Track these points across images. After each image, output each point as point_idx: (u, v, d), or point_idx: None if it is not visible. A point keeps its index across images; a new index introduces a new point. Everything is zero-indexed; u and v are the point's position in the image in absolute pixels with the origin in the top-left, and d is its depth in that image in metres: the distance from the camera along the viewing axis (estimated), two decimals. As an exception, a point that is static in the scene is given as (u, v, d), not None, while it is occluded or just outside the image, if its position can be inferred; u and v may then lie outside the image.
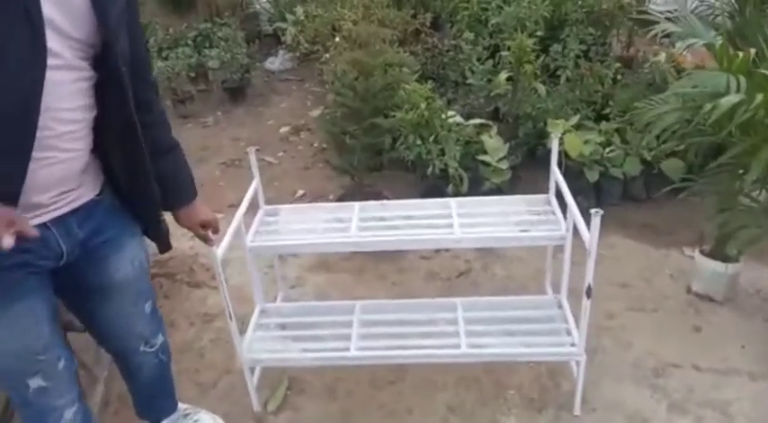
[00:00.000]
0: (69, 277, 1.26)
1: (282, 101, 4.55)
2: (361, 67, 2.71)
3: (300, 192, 3.29)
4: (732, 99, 1.74)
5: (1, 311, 1.12)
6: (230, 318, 1.73)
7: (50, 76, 0.98)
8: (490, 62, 3.62)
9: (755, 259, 2.41)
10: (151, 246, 1.48)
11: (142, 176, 1.26)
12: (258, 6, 5.71)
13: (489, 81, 3.50)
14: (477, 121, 3.22)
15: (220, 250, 1.63)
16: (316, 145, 3.80)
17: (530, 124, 3.27)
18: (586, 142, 2.92)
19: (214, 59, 4.53)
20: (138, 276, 1.40)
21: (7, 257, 1.03)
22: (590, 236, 1.58)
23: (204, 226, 1.50)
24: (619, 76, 3.44)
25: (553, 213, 1.98)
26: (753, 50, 1.97)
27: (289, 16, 5.18)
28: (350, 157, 2.82)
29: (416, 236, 1.92)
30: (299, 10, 5.10)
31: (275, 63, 5.08)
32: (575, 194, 1.85)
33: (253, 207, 2.02)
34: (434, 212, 2.07)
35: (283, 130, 4.07)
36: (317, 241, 1.96)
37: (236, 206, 1.97)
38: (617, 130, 3.02)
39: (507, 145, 3.05)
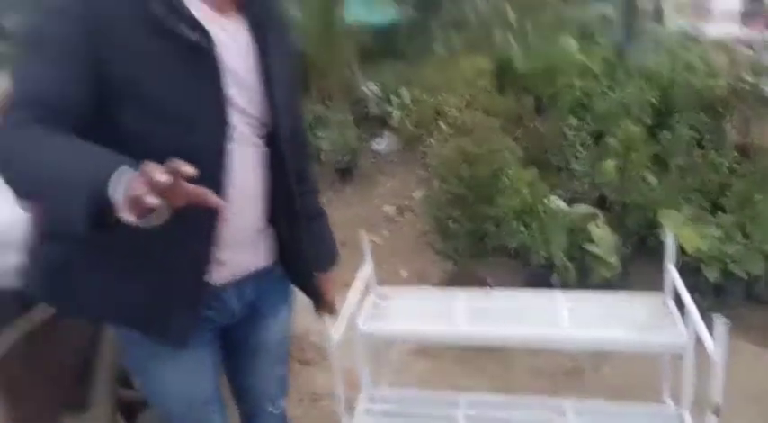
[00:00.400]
0: (228, 334, 1.37)
1: (388, 181, 4.77)
2: (466, 155, 2.83)
3: (404, 273, 3.39)
4: None
5: (176, 358, 1.23)
6: (340, 402, 1.80)
7: (230, 148, 1.11)
8: (594, 148, 3.62)
9: None
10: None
11: (298, 242, 1.36)
12: (366, 90, 6.11)
13: (594, 167, 3.50)
14: (583, 208, 3.21)
15: (336, 334, 1.73)
16: (420, 226, 3.92)
17: (639, 214, 3.20)
18: (703, 236, 2.80)
19: (326, 141, 4.87)
20: (283, 341, 1.50)
21: (197, 312, 1.18)
22: (714, 347, 1.52)
23: (324, 300, 1.56)
24: (735, 165, 3.31)
25: (670, 315, 1.92)
26: None
27: (395, 100, 5.51)
28: (453, 243, 2.90)
29: (524, 331, 1.93)
30: (406, 94, 5.42)
31: (382, 144, 5.36)
32: (691, 293, 1.79)
33: (365, 289, 2.13)
34: (542, 306, 2.07)
35: (388, 210, 4.25)
36: (426, 331, 2.02)
37: (346, 285, 2.06)
38: (736, 224, 2.88)
39: (615, 235, 3.00)
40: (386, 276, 3.34)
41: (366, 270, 2.16)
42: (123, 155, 0.88)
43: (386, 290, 2.27)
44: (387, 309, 2.17)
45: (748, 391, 2.26)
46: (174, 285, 1.12)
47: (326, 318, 1.66)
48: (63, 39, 0.97)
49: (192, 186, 0.84)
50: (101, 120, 0.99)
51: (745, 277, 2.71)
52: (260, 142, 1.21)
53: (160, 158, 0.85)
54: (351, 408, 2.08)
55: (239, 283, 1.27)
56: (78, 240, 1.00)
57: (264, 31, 1.18)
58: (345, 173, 4.79)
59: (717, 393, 1.55)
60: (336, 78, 6.06)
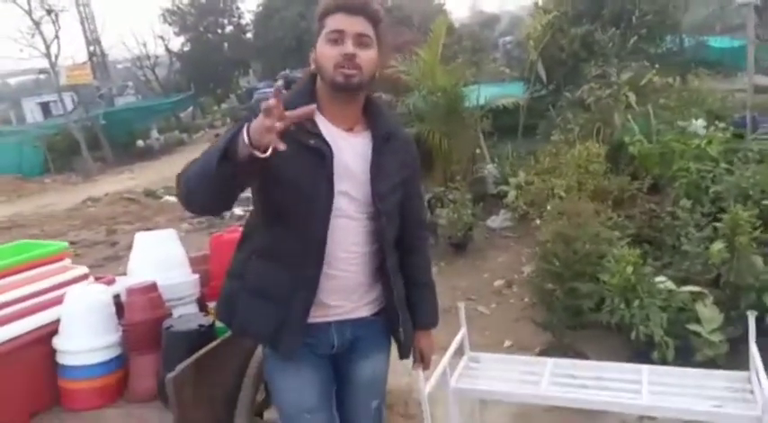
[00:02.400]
0: (335, 365, 1.70)
1: (499, 256, 5.02)
2: (564, 237, 3.06)
3: (508, 343, 3.58)
4: None
5: (287, 371, 1.62)
6: None
7: (335, 222, 1.50)
8: (709, 229, 3.61)
9: None
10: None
11: (399, 300, 1.66)
12: (486, 171, 6.50)
13: (707, 248, 3.48)
14: (692, 288, 3.22)
15: (427, 388, 2.03)
16: (526, 300, 4.10)
17: (753, 295, 3.13)
18: (818, 322, 2.70)
19: (443, 218, 5.29)
20: (375, 381, 1.80)
21: (300, 337, 1.56)
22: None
23: (420, 354, 1.85)
24: None
25: (751, 392, 1.97)
26: None
27: (511, 180, 5.83)
28: (552, 316, 3.08)
29: (602, 397, 2.07)
30: (522, 175, 5.72)
31: (496, 221, 5.66)
32: None
33: (460, 351, 2.41)
34: (626, 377, 2.20)
35: (497, 283, 4.49)
36: (510, 391, 2.23)
37: (446, 349, 2.38)
38: None
39: (723, 315, 2.97)
40: (490, 344, 3.57)
41: (461, 334, 2.46)
42: (269, 215, 1.53)
43: (478, 355, 2.53)
44: (478, 370, 2.43)
45: None
46: (288, 315, 1.53)
47: (420, 373, 1.95)
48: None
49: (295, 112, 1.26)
50: (258, 194, 1.53)
51: None
52: (362, 217, 1.57)
53: (289, 219, 1.49)
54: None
55: (340, 324, 1.64)
56: (242, 280, 1.57)
57: (383, 141, 1.57)
58: (459, 247, 5.13)
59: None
60: (458, 161, 6.54)
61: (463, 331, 2.46)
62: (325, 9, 1.49)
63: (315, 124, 1.48)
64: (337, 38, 1.46)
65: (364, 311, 1.67)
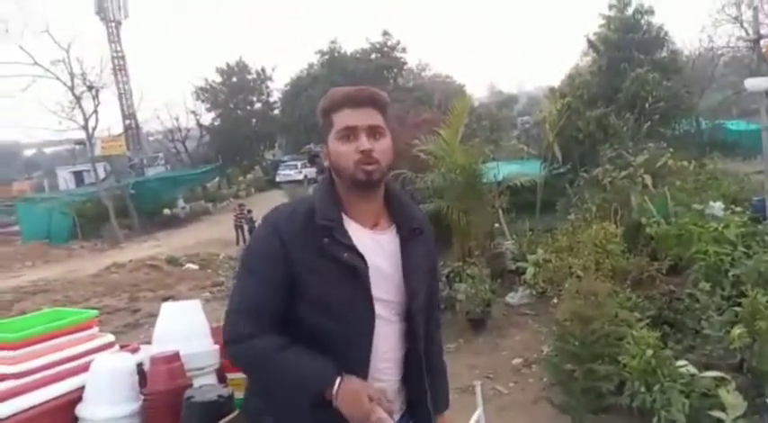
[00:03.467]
0: None
1: (518, 333, 4.97)
2: (580, 317, 3.07)
3: (525, 424, 3.50)
4: None
5: None
6: None
7: (376, 331, 1.42)
8: (730, 313, 3.58)
9: None
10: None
11: (427, 393, 1.56)
12: (505, 247, 6.55)
13: (728, 332, 3.44)
14: (714, 373, 3.16)
15: None
16: (545, 380, 4.03)
17: (777, 382, 3.06)
18: None
19: (461, 293, 5.29)
20: None
21: None
22: None
23: None
24: None
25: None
26: None
27: (530, 257, 5.85)
28: (570, 398, 3.03)
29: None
30: (540, 252, 5.76)
31: (515, 298, 5.64)
32: None
33: (474, 433, 2.39)
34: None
35: (516, 361, 4.42)
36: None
37: None
38: None
39: (746, 403, 2.90)
40: (507, 425, 3.49)
41: (477, 414, 2.44)
42: (303, 337, 1.40)
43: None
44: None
45: None
46: None
47: None
48: (272, 270, 1.40)
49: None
50: (288, 317, 1.42)
51: None
52: (396, 319, 1.49)
53: (325, 338, 1.40)
54: None
55: None
56: (268, 401, 1.47)
57: (409, 236, 1.50)
58: (478, 323, 5.10)
59: None
60: (476, 237, 6.62)
61: (479, 412, 2.45)
62: (330, 105, 1.45)
63: (345, 232, 1.42)
64: (350, 134, 1.42)
65: (396, 416, 1.55)
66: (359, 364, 1.43)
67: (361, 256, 1.42)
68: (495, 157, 8.45)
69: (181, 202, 19.92)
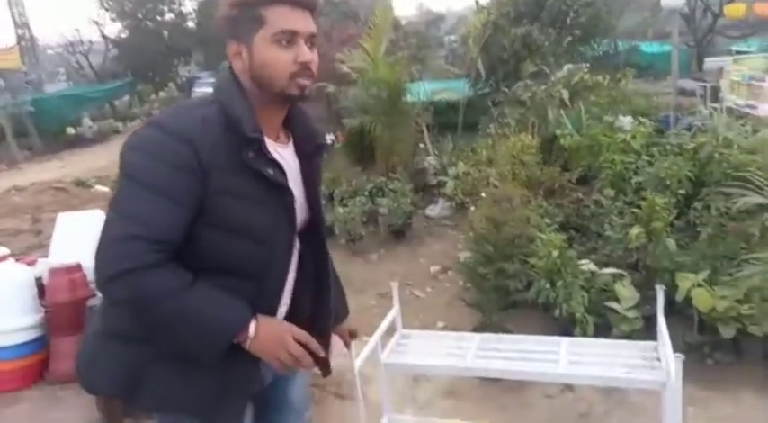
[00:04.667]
0: (258, 396, 1.45)
1: (436, 243, 5.13)
2: (494, 222, 3.17)
3: (441, 324, 3.67)
4: None
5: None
6: (360, 399, 2.10)
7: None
8: (630, 217, 3.83)
9: None
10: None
11: (327, 313, 1.49)
12: (427, 163, 6.62)
13: (627, 234, 3.70)
14: (612, 270, 3.41)
15: (358, 361, 2.06)
16: (461, 284, 4.21)
17: (666, 277, 3.35)
18: (723, 298, 2.93)
19: (384, 207, 5.35)
20: (305, 397, 1.66)
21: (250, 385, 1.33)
22: (674, 379, 1.73)
23: (351, 334, 1.79)
24: (769, 234, 3.41)
25: (658, 359, 2.11)
26: None
27: (450, 171, 5.96)
28: (483, 296, 3.19)
29: (523, 367, 2.17)
30: (461, 165, 5.87)
31: (435, 210, 5.78)
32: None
33: (392, 330, 2.46)
34: (546, 348, 2.31)
35: (434, 268, 4.59)
36: (437, 363, 2.30)
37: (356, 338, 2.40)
38: (758, 287, 2.97)
39: (639, 295, 3.17)
40: (424, 325, 3.66)
41: (393, 312, 2.50)
42: (205, 270, 1.20)
43: (409, 332, 2.58)
44: (408, 346, 2.48)
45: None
46: (231, 380, 1.27)
47: (352, 349, 1.98)
48: (182, 188, 1.16)
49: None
50: (186, 246, 1.20)
51: (762, 337, 2.78)
52: (296, 241, 1.39)
53: (237, 269, 1.23)
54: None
55: None
56: (155, 346, 1.22)
57: (308, 153, 1.39)
58: (399, 234, 5.21)
59: (677, 419, 1.73)
60: (399, 153, 6.63)
61: (395, 309, 2.50)
62: None
63: (264, 144, 1.24)
64: (289, 39, 1.21)
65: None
66: (272, 293, 1.32)
67: (284, 172, 1.28)
68: (421, 76, 8.35)
69: (87, 121, 18.51)
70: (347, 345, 1.86)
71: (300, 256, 1.41)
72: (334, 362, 3.25)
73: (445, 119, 7.61)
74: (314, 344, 1.24)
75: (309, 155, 1.40)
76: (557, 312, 3.11)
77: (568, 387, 2.91)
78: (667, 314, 3.21)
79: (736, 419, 2.39)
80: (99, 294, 2.43)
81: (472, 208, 4.18)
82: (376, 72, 6.52)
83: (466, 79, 8.23)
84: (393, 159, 6.54)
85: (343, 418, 2.91)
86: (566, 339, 2.38)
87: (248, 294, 1.24)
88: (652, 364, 2.10)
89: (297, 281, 1.42)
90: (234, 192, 1.20)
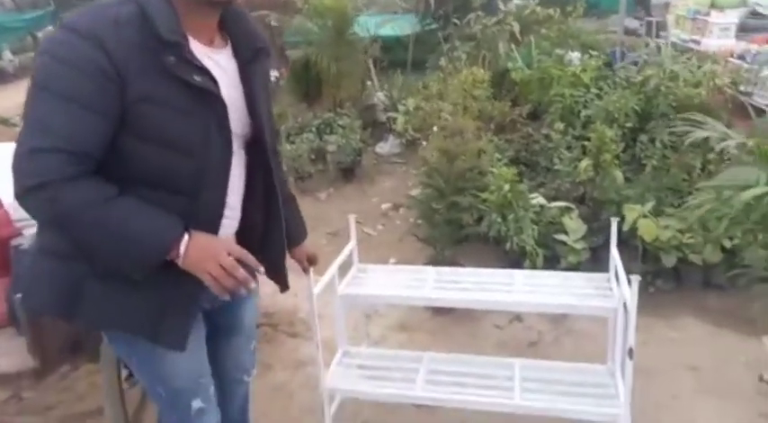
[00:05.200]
0: (212, 315, 1.49)
1: (387, 181, 5.06)
2: (447, 154, 3.11)
3: (393, 260, 3.65)
4: (752, 193, 1.88)
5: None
6: (317, 347, 2.07)
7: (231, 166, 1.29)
8: (579, 150, 3.85)
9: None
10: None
11: (279, 228, 1.48)
12: (376, 99, 6.43)
13: (575, 167, 3.73)
14: (560, 203, 3.44)
15: (317, 289, 2.01)
16: (411, 220, 4.18)
17: (613, 208, 3.41)
18: (666, 228, 3.01)
19: (332, 144, 5.19)
20: (255, 319, 1.68)
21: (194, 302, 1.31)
22: (630, 300, 1.75)
23: (309, 259, 1.76)
24: (710, 167, 3.51)
25: (610, 289, 2.15)
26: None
27: (400, 107, 5.81)
28: (435, 231, 3.16)
29: (480, 296, 2.18)
30: (410, 101, 5.73)
31: (384, 147, 5.66)
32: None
33: (348, 264, 2.39)
34: (501, 281, 2.32)
35: (384, 206, 4.54)
36: (395, 294, 2.29)
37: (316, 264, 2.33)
38: (699, 218, 3.07)
39: (586, 227, 3.22)
40: (375, 261, 3.59)
41: (350, 246, 2.43)
42: (136, 184, 1.17)
43: (366, 266, 2.54)
44: (365, 279, 2.44)
45: (690, 362, 2.46)
46: (174, 298, 1.25)
47: (310, 276, 1.91)
48: (98, 95, 1.10)
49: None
50: (112, 159, 1.16)
51: (702, 265, 2.90)
52: (242, 152, 1.37)
53: (170, 182, 1.19)
54: (327, 365, 2.33)
55: None
56: (90, 264, 1.20)
57: (251, 58, 1.33)
58: (348, 172, 5.10)
59: (631, 339, 1.77)
60: (348, 87, 6.41)
61: (352, 243, 2.44)
62: None
63: (191, 50, 1.17)
64: None
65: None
66: (211, 209, 1.26)
67: (214, 80, 1.20)
68: (366, 8, 7.99)
69: (7, 55, 16.94)
70: (305, 270, 1.81)
71: (250, 172, 1.37)
72: (287, 302, 3.20)
73: (395, 55, 7.37)
74: (250, 258, 1.21)
75: (249, 60, 1.33)
76: (507, 246, 3.13)
77: (518, 318, 2.98)
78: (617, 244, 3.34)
79: (677, 343, 2.51)
80: (25, 233, 2.26)
81: (424, 143, 4.09)
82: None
83: (414, 14, 7.95)
84: (341, 94, 6.30)
85: (296, 356, 2.89)
86: (520, 272, 2.40)
87: (182, 210, 1.20)
88: (605, 293, 2.14)
89: (247, 198, 1.38)
90: (156, 99, 1.14)
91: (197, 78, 1.17)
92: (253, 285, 1.19)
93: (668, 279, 2.94)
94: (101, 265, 1.20)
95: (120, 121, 1.14)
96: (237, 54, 1.33)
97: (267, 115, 1.41)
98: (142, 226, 1.15)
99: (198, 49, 1.21)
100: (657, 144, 3.64)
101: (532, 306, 2.20)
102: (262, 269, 1.25)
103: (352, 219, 2.45)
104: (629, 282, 1.75)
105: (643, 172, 3.61)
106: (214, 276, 1.15)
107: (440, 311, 3.00)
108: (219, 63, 1.27)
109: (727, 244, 2.86)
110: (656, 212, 3.15)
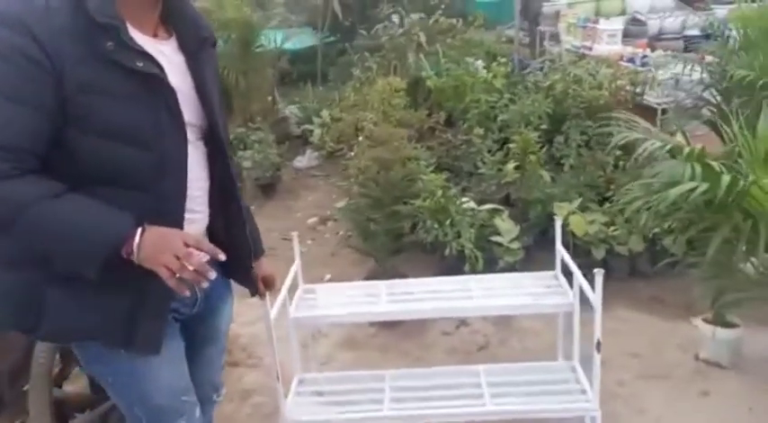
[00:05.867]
0: (188, 325, 1.39)
1: (310, 195, 4.94)
2: (381, 163, 3.06)
3: (327, 276, 3.54)
4: (683, 187, 2.02)
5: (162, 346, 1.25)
6: (278, 378, 1.92)
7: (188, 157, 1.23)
8: (500, 153, 3.97)
9: (760, 324, 2.54)
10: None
11: (242, 224, 1.41)
12: (287, 112, 6.29)
13: (499, 170, 3.83)
14: (490, 206, 3.51)
15: (273, 312, 1.86)
16: (341, 233, 4.10)
17: (539, 208, 3.54)
18: (592, 222, 3.16)
19: (248, 160, 4.98)
20: (227, 330, 1.58)
21: (165, 303, 1.23)
22: (595, 294, 1.79)
23: (265, 281, 1.63)
24: (620, 163, 3.74)
25: (560, 286, 2.20)
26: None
27: (315, 119, 5.72)
28: (373, 242, 3.10)
29: (440, 305, 2.14)
30: (325, 113, 5.65)
31: (303, 161, 5.53)
32: (583, 271, 2.06)
33: (292, 288, 2.25)
34: (455, 287, 2.30)
35: (311, 221, 4.41)
36: (353, 311, 2.19)
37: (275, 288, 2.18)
38: (621, 211, 3.26)
39: (518, 227, 3.31)
40: (310, 280, 3.47)
41: (296, 266, 2.30)
42: (76, 169, 1.10)
43: (313, 286, 2.41)
44: (314, 300, 2.31)
45: (630, 349, 2.58)
46: (144, 300, 1.18)
47: (267, 300, 1.76)
48: (32, 88, 1.04)
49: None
50: (57, 156, 1.09)
51: (628, 255, 3.07)
52: (200, 143, 1.31)
53: (125, 176, 1.13)
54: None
55: None
56: (48, 270, 1.12)
57: (197, 49, 1.28)
58: (268, 188, 4.92)
59: (597, 333, 1.81)
60: (258, 101, 6.21)
61: (297, 263, 2.31)
62: None
63: (129, 35, 1.11)
64: None
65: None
66: (175, 200, 1.21)
67: (160, 66, 1.15)
68: (263, 24, 7.85)
69: None
70: (261, 293, 1.66)
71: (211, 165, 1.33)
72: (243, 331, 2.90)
73: (300, 70, 7.35)
74: (207, 245, 1.14)
75: (195, 50, 1.28)
76: (447, 251, 3.13)
77: (463, 322, 2.98)
78: (544, 242, 3.45)
79: (615, 333, 2.61)
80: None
81: (351, 153, 4.02)
82: (224, 12, 5.95)
83: (312, 28, 7.94)
84: (251, 108, 6.10)
85: (240, 386, 2.70)
86: (471, 277, 2.40)
87: (141, 206, 1.15)
88: (556, 290, 2.18)
89: (210, 193, 1.34)
90: (97, 89, 1.09)
91: (139, 64, 1.11)
92: (212, 275, 1.10)
93: (599, 271, 3.08)
94: (57, 268, 1.12)
95: (62, 115, 1.07)
96: (183, 46, 1.28)
97: (219, 106, 1.35)
98: (89, 222, 1.09)
99: (140, 38, 1.16)
100: (572, 144, 3.82)
101: (495, 309, 2.20)
102: (222, 255, 1.15)
103: (295, 236, 2.33)
104: (588, 278, 1.78)
105: (562, 171, 3.78)
106: (170, 269, 1.07)
107: (385, 325, 2.93)
108: (164, 53, 1.22)
109: (649, 234, 3.05)
110: (581, 208, 3.30)
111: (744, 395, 2.24)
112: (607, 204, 3.37)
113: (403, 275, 3.10)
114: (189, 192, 1.23)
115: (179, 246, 1.08)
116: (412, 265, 3.26)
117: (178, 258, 1.07)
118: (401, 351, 2.80)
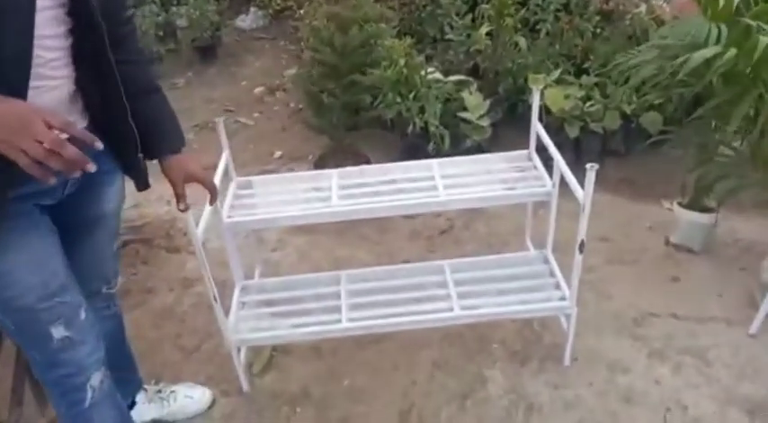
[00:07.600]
0: (61, 210, 1.24)
1: (256, 60, 4.42)
2: (338, 22, 2.62)
3: (278, 153, 3.23)
4: (706, 53, 1.73)
5: (16, 242, 1.11)
6: (215, 300, 1.66)
7: (39, 16, 1.01)
8: (469, 17, 3.53)
9: (732, 210, 2.45)
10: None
11: (119, 112, 1.23)
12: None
13: (469, 36, 3.43)
14: (457, 77, 3.17)
15: (200, 230, 1.56)
16: (292, 105, 3.71)
17: (510, 80, 3.22)
18: (567, 97, 2.89)
19: (182, 17, 4.35)
20: (118, 212, 1.43)
21: (18, 186, 1.06)
22: (584, 192, 1.58)
23: (192, 181, 1.40)
24: (599, 30, 3.39)
25: (536, 169, 1.97)
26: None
27: (260, -28, 4.99)
28: (328, 117, 2.76)
29: (401, 201, 1.84)
30: (271, -35, 4.92)
31: (246, 21, 4.91)
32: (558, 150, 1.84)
33: (226, 178, 1.91)
34: (417, 175, 2.00)
35: (258, 90, 3.96)
36: (297, 214, 1.83)
37: (211, 169, 1.85)
38: (597, 85, 2.99)
39: (487, 102, 3.01)
40: (258, 157, 3.18)
41: (224, 157, 1.92)
42: None
43: (249, 179, 2.01)
44: (252, 197, 1.97)
45: (599, 233, 2.46)
46: None
47: (189, 216, 1.45)
48: None
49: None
50: None
51: (602, 133, 2.86)
52: (61, 11, 1.08)
53: None
54: (225, 295, 1.94)
55: None
56: None
57: None
58: (207, 52, 4.36)
59: (583, 232, 1.63)
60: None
61: (226, 153, 1.92)
62: None
63: None
64: None
65: (82, 122, 1.23)
66: (15, 59, 1.01)
67: None
68: None
69: None
70: (179, 198, 1.40)
71: (78, 37, 1.12)
72: (160, 210, 2.64)
73: None
74: (77, 130, 0.96)
75: None
76: (410, 128, 2.84)
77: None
78: (512, 119, 3.20)
79: (592, 215, 2.46)
80: None
81: (300, 11, 3.49)
82: None
83: None
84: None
85: (182, 274, 2.48)
86: (434, 162, 2.08)
87: None
88: (532, 174, 1.96)
89: (78, 68, 1.15)
90: None
91: None
92: (92, 167, 0.95)
93: (570, 151, 2.87)
94: None
95: None
96: None
97: None
98: None
99: None
100: (550, 7, 3.41)
101: (465, 203, 1.92)
102: (99, 144, 0.98)
103: (220, 121, 1.89)
104: (584, 170, 1.54)
105: (537, 38, 3.41)
106: (27, 153, 0.90)
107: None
108: None
109: (627, 110, 2.82)
110: (555, 81, 3.01)
111: (714, 281, 2.19)
112: (584, 76, 3.08)
113: (360, 155, 2.82)
114: (38, 52, 1.03)
115: (40, 128, 0.90)
116: (370, 144, 2.97)
117: (41, 143, 0.89)
118: (358, 235, 2.61)
